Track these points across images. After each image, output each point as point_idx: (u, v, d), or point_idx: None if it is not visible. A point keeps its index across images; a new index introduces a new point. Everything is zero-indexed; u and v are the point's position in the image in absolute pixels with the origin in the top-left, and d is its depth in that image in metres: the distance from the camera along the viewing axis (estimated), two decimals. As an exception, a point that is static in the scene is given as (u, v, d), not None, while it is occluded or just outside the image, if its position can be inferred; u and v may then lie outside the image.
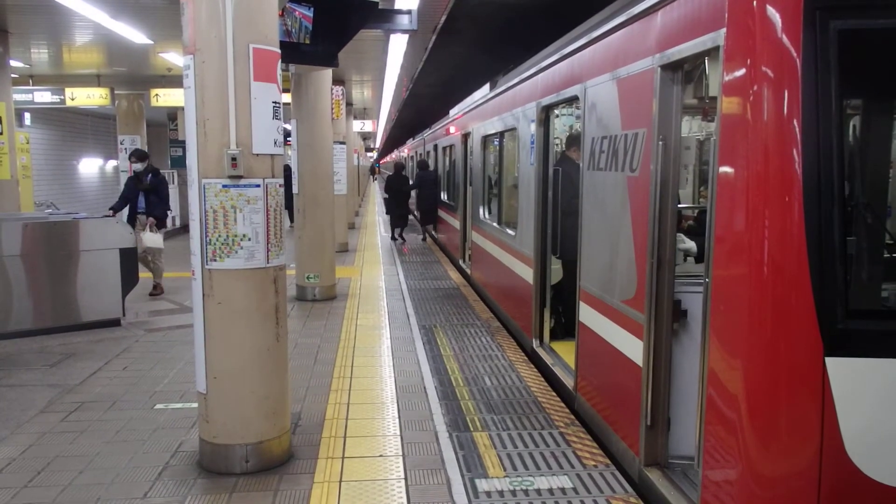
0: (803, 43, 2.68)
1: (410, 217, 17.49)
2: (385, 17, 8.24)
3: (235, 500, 3.72)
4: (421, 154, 19.91)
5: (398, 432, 4.62)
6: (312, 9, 6.80)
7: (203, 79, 3.80)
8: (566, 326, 6.33)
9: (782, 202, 2.70)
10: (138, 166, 9.26)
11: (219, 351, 3.97)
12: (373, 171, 61.03)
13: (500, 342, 6.93)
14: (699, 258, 4.33)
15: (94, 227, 7.47)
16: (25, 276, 7.06)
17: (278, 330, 4.10)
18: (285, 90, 8.17)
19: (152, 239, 8.91)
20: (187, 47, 3.84)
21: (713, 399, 3.02)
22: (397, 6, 8.25)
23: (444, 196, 15.14)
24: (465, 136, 11.11)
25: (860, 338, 2.71)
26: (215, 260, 3.89)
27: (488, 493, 3.76)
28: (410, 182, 16.58)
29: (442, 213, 15.24)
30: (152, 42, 10.57)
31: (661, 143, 3.61)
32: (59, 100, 14.37)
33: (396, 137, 45.73)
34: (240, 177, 3.85)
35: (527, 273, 6.69)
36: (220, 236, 3.87)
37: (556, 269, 6.39)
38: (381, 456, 4.25)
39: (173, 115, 18.86)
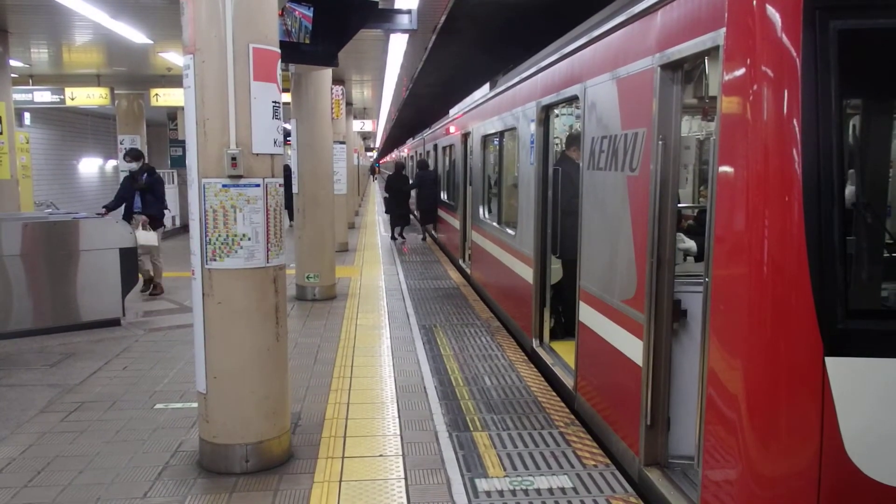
0: (803, 43, 2.68)
1: (411, 217, 17.47)
2: (385, 17, 8.24)
3: (235, 500, 3.72)
4: (421, 154, 19.91)
5: (398, 432, 4.62)
6: (312, 8, 6.79)
7: (203, 78, 3.80)
8: (566, 326, 6.33)
9: (782, 202, 2.70)
10: (133, 166, 9.22)
11: (219, 351, 3.97)
12: (373, 170, 61.04)
13: (499, 342, 6.93)
14: (699, 258, 4.33)
15: (93, 227, 7.47)
16: (25, 276, 7.06)
17: (278, 330, 4.10)
18: (285, 90, 8.15)
19: (145, 237, 8.89)
20: (187, 47, 3.84)
21: (713, 399, 3.03)
22: (397, 6, 8.25)
23: (443, 196, 15.14)
24: (465, 136, 11.11)
25: (860, 338, 2.71)
26: (215, 259, 3.89)
27: (488, 493, 3.76)
28: (410, 181, 16.59)
29: (442, 213, 15.24)
30: (152, 42, 10.57)
31: (660, 142, 3.61)
32: (58, 99, 14.37)
33: (396, 137, 45.74)
34: (240, 176, 3.85)
35: (527, 273, 6.69)
36: (219, 236, 3.87)
37: (555, 269, 6.39)
38: (380, 456, 4.25)
39: (173, 114, 18.85)
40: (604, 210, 4.54)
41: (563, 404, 5.15)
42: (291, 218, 12.53)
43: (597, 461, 4.16)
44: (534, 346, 6.42)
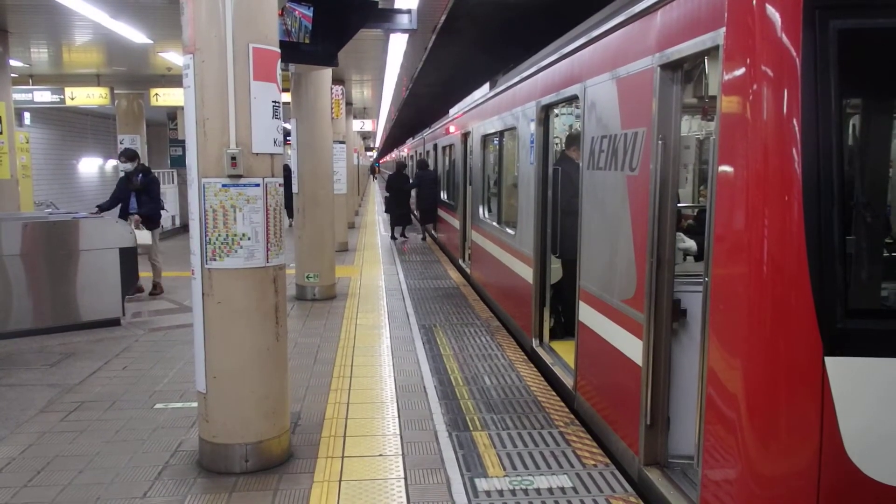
0: (803, 42, 2.68)
1: (412, 217, 17.48)
2: (385, 17, 8.24)
3: (235, 500, 3.72)
4: (420, 153, 19.91)
5: (398, 432, 4.62)
6: (312, 8, 6.80)
7: (203, 78, 3.80)
8: (566, 326, 6.33)
9: (782, 201, 2.70)
10: (128, 166, 9.18)
11: (218, 350, 3.97)
12: (373, 170, 61.04)
13: (499, 342, 6.93)
14: (699, 257, 4.33)
15: (93, 227, 7.47)
16: (25, 276, 7.06)
17: (278, 329, 4.09)
18: (285, 90, 8.14)
19: (138, 236, 8.87)
20: (187, 47, 3.84)
21: (713, 398, 3.03)
22: (397, 5, 8.25)
23: (443, 195, 15.14)
24: (465, 136, 11.11)
25: (860, 337, 2.71)
26: (215, 259, 3.89)
27: (488, 493, 3.76)
28: (411, 181, 16.59)
29: (442, 213, 15.24)
30: (152, 41, 10.57)
31: (660, 142, 3.61)
32: (58, 99, 14.37)
33: (396, 137, 45.74)
34: (239, 176, 3.85)
35: (526, 272, 6.69)
36: (219, 235, 3.87)
37: (555, 269, 6.39)
38: (380, 455, 4.25)
39: (173, 114, 18.85)
40: (603, 210, 4.54)
41: (562, 404, 5.15)
42: (290, 215, 12.52)
43: (596, 461, 4.16)
44: (533, 345, 6.42)
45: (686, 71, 3.65)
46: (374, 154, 62.78)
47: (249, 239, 3.91)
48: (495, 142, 9.20)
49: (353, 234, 17.11)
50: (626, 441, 4.09)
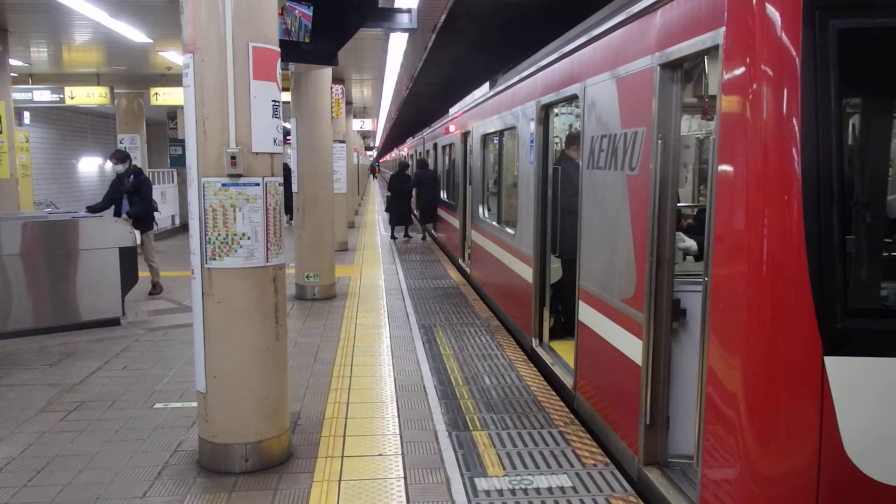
0: (803, 42, 2.68)
1: (412, 216, 17.47)
2: (385, 16, 8.23)
3: (235, 500, 3.72)
4: (420, 153, 19.91)
5: (397, 431, 4.62)
6: (312, 7, 6.80)
7: (202, 77, 3.80)
8: (565, 325, 6.33)
9: (782, 201, 2.70)
10: (119, 168, 9.13)
11: (218, 350, 3.97)
12: (373, 170, 61.03)
13: (499, 341, 6.93)
14: (699, 257, 4.33)
15: (93, 227, 7.47)
16: (25, 276, 7.05)
17: (278, 329, 4.09)
18: (285, 89, 8.15)
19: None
20: (187, 46, 3.84)
21: (712, 398, 3.03)
22: (397, 5, 8.25)
23: (443, 195, 15.14)
24: (465, 135, 11.11)
25: (859, 337, 2.71)
26: (215, 259, 3.89)
27: (488, 492, 3.76)
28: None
29: (441, 212, 15.24)
30: (152, 41, 10.56)
31: (660, 141, 3.61)
32: (58, 98, 14.36)
33: (396, 136, 45.73)
34: (239, 175, 3.85)
35: (526, 272, 6.69)
36: (219, 235, 3.87)
37: (555, 269, 6.39)
38: (380, 455, 4.25)
39: (173, 113, 18.84)
40: (603, 209, 4.54)
41: (562, 403, 5.15)
42: (290, 215, 12.51)
43: (596, 460, 4.16)
44: (533, 345, 6.42)
45: (686, 70, 3.65)
46: (374, 153, 62.76)
47: (249, 238, 3.90)
48: (495, 141, 9.20)
49: (353, 234, 17.11)
50: (626, 441, 4.09)
